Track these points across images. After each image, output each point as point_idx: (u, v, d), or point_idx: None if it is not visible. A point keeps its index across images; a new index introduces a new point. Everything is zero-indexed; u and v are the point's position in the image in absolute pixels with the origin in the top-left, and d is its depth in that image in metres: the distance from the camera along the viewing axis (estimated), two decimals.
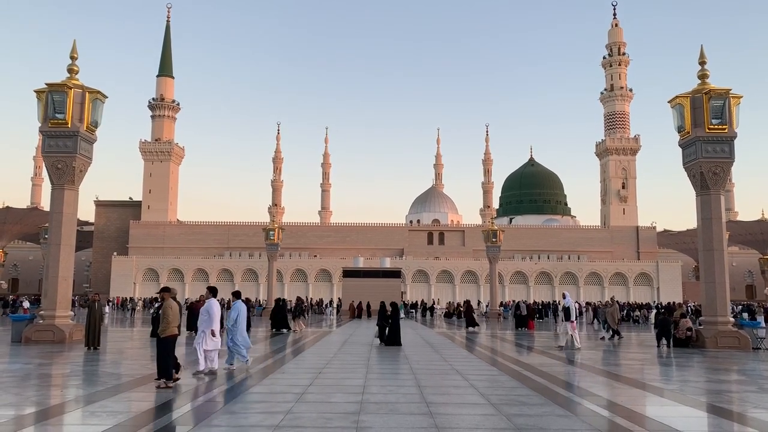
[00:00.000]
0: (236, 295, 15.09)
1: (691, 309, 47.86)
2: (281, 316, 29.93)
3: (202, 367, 12.80)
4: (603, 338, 26.36)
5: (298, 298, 34.74)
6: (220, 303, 28.17)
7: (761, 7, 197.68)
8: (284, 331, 29.11)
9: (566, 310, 22.18)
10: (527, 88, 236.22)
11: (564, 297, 23.25)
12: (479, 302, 71.51)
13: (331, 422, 8.33)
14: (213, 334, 12.85)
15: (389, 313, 22.64)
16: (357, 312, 50.98)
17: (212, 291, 13.56)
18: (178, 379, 11.56)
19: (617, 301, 28.50)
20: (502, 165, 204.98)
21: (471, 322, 34.80)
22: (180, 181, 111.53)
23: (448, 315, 55.63)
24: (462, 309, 52.15)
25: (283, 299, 32.68)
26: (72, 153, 21.84)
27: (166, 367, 11.20)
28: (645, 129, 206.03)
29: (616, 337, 26.17)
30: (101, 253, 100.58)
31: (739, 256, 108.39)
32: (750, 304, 62.69)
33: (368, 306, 50.80)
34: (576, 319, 22.31)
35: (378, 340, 22.52)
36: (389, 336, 21.76)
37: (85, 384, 11.97)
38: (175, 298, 12.77)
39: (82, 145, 22.15)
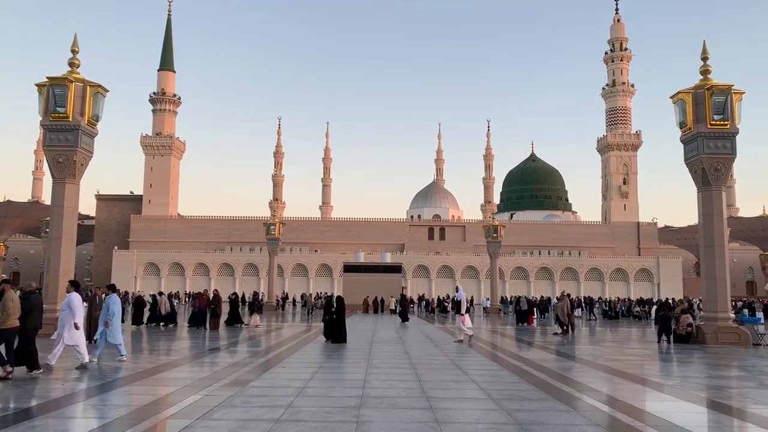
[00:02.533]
0: (111, 288, 15.18)
1: (694, 305, 47.82)
2: (235, 310, 29.44)
3: (57, 358, 13.00)
4: (555, 334, 26.27)
5: (255, 293, 33.80)
6: (219, 297, 28.32)
7: (764, 3, 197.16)
8: (237, 326, 28.40)
9: (458, 304, 22.05)
10: (529, 84, 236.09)
11: (457, 290, 23.06)
12: (452, 296, 71.01)
13: (332, 416, 8.35)
14: (76, 327, 12.93)
15: (334, 308, 21.22)
16: (373, 308, 51.10)
17: (74, 285, 13.78)
18: (10, 373, 11.30)
19: (568, 296, 28.51)
20: (504, 160, 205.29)
21: (403, 316, 34.70)
22: (181, 175, 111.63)
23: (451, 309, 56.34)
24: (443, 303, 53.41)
25: (236, 294, 32.40)
26: (73, 147, 21.81)
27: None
28: (647, 125, 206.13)
29: (568, 331, 26.11)
30: (102, 247, 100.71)
31: (739, 252, 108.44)
32: (751, 300, 62.71)
33: (379, 301, 51.51)
34: (467, 312, 22.15)
35: (323, 337, 21.29)
36: (332, 332, 20.66)
37: (86, 377, 11.99)
38: (38, 291, 12.96)
39: (83, 139, 22.12)
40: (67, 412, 8.76)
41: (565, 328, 26.26)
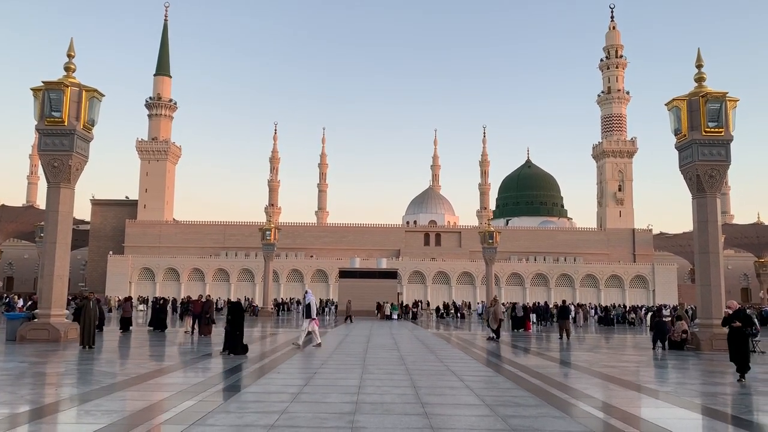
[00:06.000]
0: None
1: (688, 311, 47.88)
2: (162, 316, 28.94)
3: None
4: (490, 338, 26.27)
5: (188, 297, 33.03)
6: (212, 303, 28.18)
7: (758, 10, 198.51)
8: (161, 331, 27.81)
9: (307, 307, 22.01)
10: (525, 90, 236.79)
11: (306, 293, 22.87)
12: (420, 301, 71.19)
13: (327, 422, 8.32)
14: None
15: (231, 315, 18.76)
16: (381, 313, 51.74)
17: None
18: None
19: (499, 301, 28.49)
20: (499, 167, 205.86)
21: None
22: (176, 180, 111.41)
23: (440, 315, 57.30)
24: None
25: (163, 298, 31.98)
26: (68, 151, 21.79)
27: None
28: (642, 131, 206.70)
29: (500, 336, 26.15)
30: (97, 252, 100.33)
31: (734, 259, 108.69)
32: (746, 307, 62.92)
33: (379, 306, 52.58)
34: (317, 315, 22.00)
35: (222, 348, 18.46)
36: (229, 342, 18.08)
37: (80, 383, 11.94)
38: None
39: (79, 143, 22.10)
40: (59, 418, 8.72)
41: (494, 333, 26.36)
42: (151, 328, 28.96)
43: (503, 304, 60.11)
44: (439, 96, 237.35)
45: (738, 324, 13.41)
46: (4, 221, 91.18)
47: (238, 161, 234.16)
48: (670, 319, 27.31)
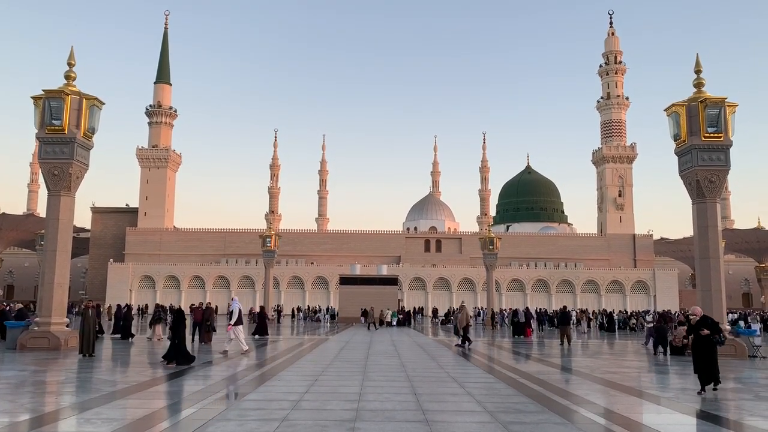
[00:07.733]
0: None
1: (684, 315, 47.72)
2: (127, 324, 28.43)
3: None
4: (458, 345, 26.08)
5: (157, 305, 32.59)
6: (209, 309, 28.05)
7: (757, 16, 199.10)
8: (129, 339, 27.13)
9: (230, 315, 21.79)
10: (524, 96, 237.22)
11: (233, 300, 22.79)
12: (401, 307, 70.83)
13: (327, 429, 8.30)
14: None
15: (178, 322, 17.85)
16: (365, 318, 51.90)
17: None
18: None
19: (465, 307, 28.21)
20: (499, 172, 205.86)
21: (261, 331, 31.76)
22: (177, 187, 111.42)
23: (443, 322, 57.11)
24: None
25: (128, 305, 31.76)
26: (68, 159, 21.83)
27: None
28: (641, 137, 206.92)
29: (467, 343, 25.65)
30: (97, 260, 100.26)
31: (735, 264, 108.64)
32: (747, 312, 62.81)
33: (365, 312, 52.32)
34: (241, 323, 21.66)
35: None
36: (171, 352, 17.06)
37: (80, 391, 11.92)
38: None
39: (79, 151, 22.13)
40: (59, 426, 8.70)
41: (462, 340, 26.06)
42: (118, 336, 28.30)
43: (504, 310, 60.18)
44: (439, 102, 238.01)
45: (706, 332, 12.52)
46: (5, 229, 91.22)
47: (239, 168, 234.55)
48: (652, 324, 27.25)
